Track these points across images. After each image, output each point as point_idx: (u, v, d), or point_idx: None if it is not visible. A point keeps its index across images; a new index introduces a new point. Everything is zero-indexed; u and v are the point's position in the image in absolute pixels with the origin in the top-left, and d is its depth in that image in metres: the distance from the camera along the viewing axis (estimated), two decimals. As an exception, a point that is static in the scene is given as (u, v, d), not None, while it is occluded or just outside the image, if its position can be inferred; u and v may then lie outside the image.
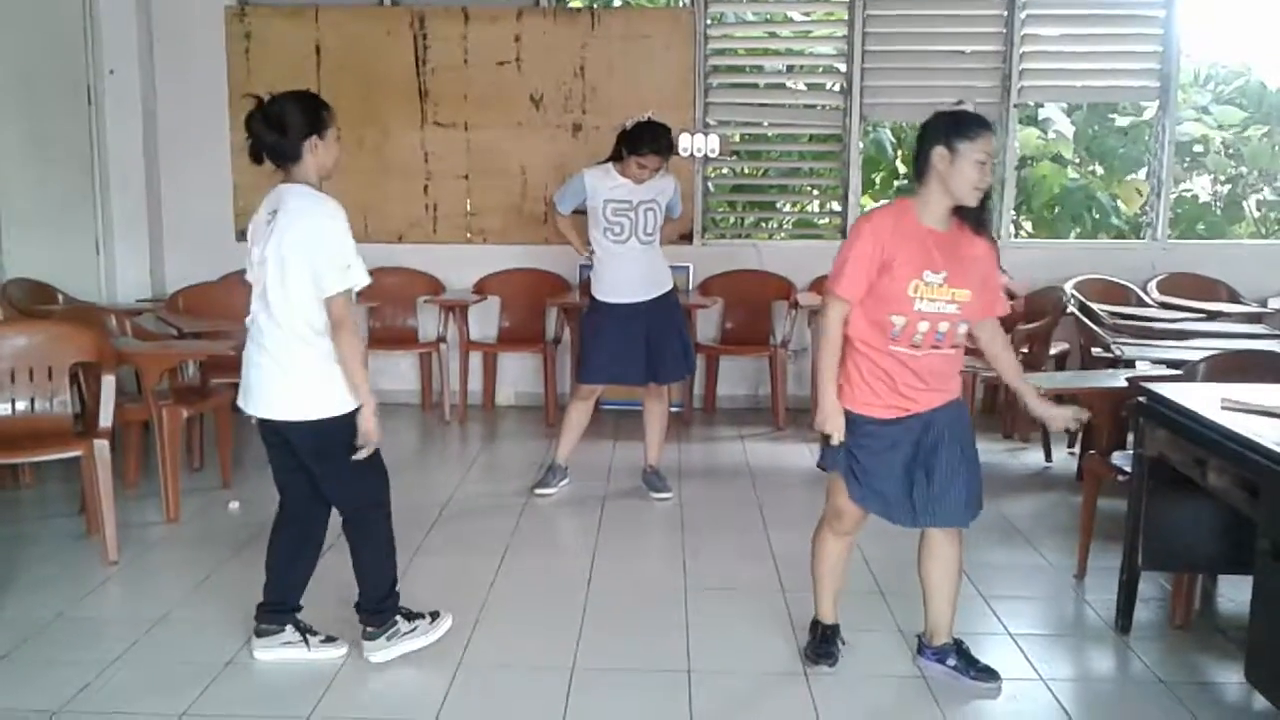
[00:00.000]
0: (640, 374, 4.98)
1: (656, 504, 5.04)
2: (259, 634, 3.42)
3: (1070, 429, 3.24)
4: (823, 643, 3.38)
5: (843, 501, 3.20)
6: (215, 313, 5.83)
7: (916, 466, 3.08)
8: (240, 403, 3.29)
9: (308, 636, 3.41)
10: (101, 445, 4.15)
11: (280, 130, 3.13)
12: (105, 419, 4.22)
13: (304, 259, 3.07)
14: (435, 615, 3.46)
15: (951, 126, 2.96)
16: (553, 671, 3.31)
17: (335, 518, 3.40)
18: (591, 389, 5.06)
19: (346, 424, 3.16)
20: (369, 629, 3.37)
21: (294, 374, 3.15)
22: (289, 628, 3.41)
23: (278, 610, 3.42)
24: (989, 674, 3.24)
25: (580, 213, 4.99)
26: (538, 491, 5.09)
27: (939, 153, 2.95)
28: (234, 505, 4.89)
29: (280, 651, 3.39)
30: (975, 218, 3.04)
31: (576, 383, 5.20)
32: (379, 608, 3.37)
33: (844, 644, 3.40)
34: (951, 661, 3.28)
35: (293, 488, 3.36)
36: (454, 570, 4.18)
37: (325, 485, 3.29)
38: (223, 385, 5.40)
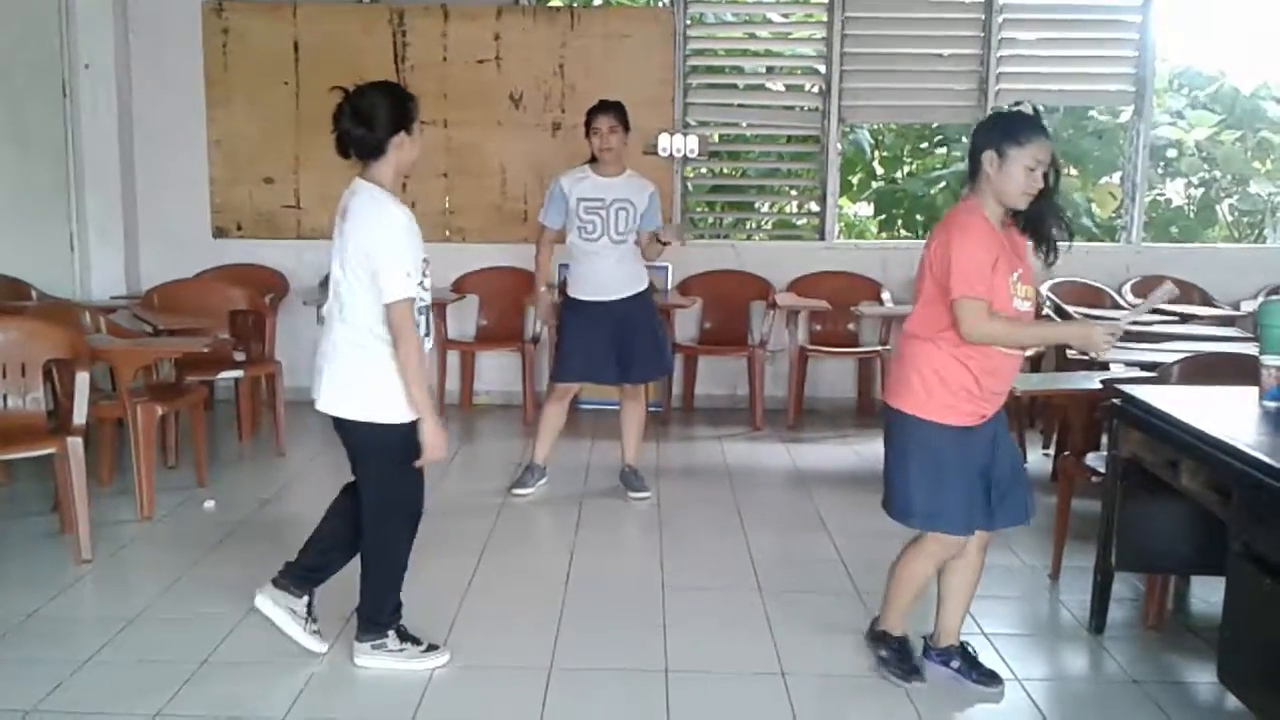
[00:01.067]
0: (612, 373, 4.98)
1: (634, 504, 5.05)
2: (274, 583, 3.34)
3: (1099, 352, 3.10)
4: (906, 657, 3.29)
5: (955, 540, 3.10)
6: (191, 310, 5.79)
7: (990, 470, 3.04)
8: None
9: (309, 619, 3.36)
10: (75, 443, 4.11)
11: (368, 125, 3.08)
12: (79, 416, 4.19)
13: (365, 263, 3.05)
14: (434, 647, 3.37)
15: (1002, 130, 2.94)
16: (530, 671, 3.31)
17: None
18: (566, 388, 5.05)
19: (392, 433, 3.14)
20: (360, 633, 3.34)
21: (351, 372, 3.14)
22: (305, 599, 3.36)
23: (304, 578, 3.36)
24: (992, 678, 3.24)
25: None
26: (515, 491, 5.08)
27: (988, 156, 2.91)
28: (209, 504, 4.85)
29: (277, 612, 3.32)
30: (1040, 234, 2.99)
31: (551, 381, 5.20)
32: (376, 621, 3.33)
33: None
34: (956, 664, 3.27)
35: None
36: (431, 570, 4.14)
37: (361, 486, 3.27)
38: (198, 383, 5.38)
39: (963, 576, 3.22)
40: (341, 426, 3.21)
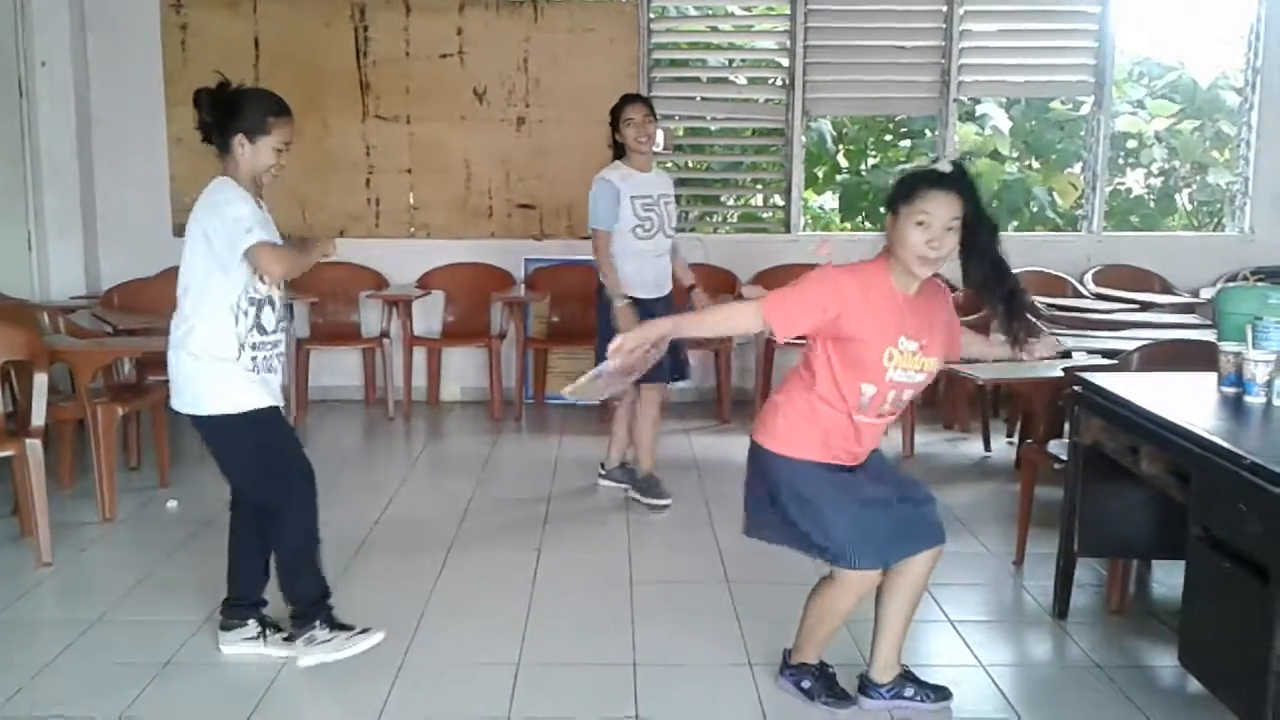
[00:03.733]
0: (665, 372, 4.78)
1: (601, 497, 5.03)
2: (223, 627, 3.40)
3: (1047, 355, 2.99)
4: (832, 681, 3.11)
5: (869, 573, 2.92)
6: (151, 309, 5.71)
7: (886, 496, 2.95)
8: None
9: (267, 632, 3.38)
10: (34, 445, 4.06)
11: (215, 115, 3.14)
12: (38, 418, 4.13)
13: (203, 235, 3.10)
14: (365, 631, 3.35)
15: (898, 187, 2.75)
16: (498, 668, 3.30)
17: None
18: (663, 389, 4.88)
19: (230, 423, 3.17)
20: (291, 629, 3.34)
21: (180, 367, 3.21)
22: (251, 621, 3.39)
23: (239, 605, 3.41)
24: (941, 691, 3.10)
25: None
26: (655, 504, 4.84)
27: (889, 219, 2.76)
28: (172, 504, 4.82)
29: (242, 646, 3.37)
30: (1001, 309, 2.81)
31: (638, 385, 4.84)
32: (301, 614, 3.33)
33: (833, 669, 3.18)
34: (910, 692, 3.07)
35: None
36: (398, 568, 4.15)
37: (227, 479, 3.33)
38: (159, 382, 5.31)
39: (910, 598, 3.01)
40: (192, 421, 3.25)
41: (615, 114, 4.80)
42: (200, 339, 3.15)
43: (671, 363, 4.89)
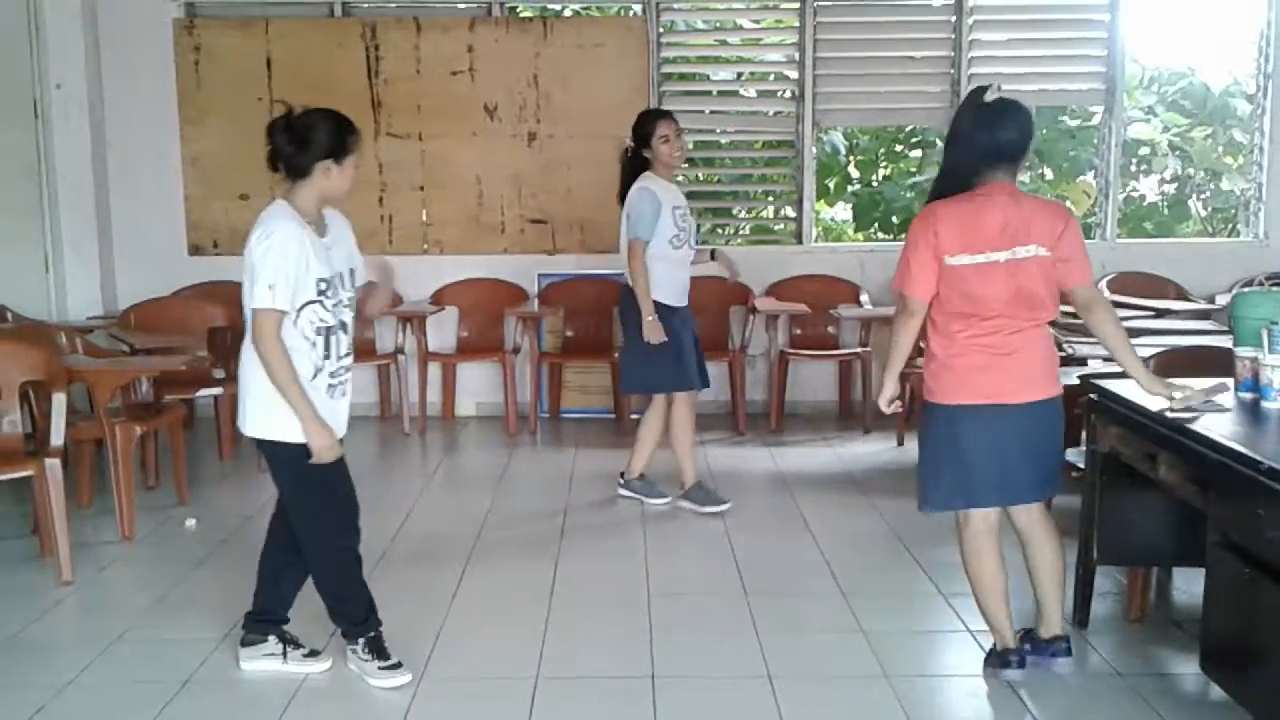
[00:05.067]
0: (699, 378, 4.97)
1: (619, 510, 5.03)
2: (243, 643, 3.40)
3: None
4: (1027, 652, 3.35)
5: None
6: (168, 328, 5.77)
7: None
8: None
9: (288, 649, 3.38)
10: (53, 465, 4.08)
11: (299, 144, 3.10)
12: (56, 438, 4.16)
13: (247, 272, 3.09)
14: (396, 666, 3.31)
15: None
16: (517, 681, 3.30)
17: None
18: (693, 396, 4.98)
19: (292, 451, 3.14)
20: (346, 640, 3.36)
21: (249, 390, 3.17)
22: (272, 638, 3.39)
23: (263, 620, 3.40)
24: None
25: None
26: (705, 509, 4.93)
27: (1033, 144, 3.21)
28: (190, 522, 4.82)
29: (263, 663, 3.37)
30: None
31: (674, 391, 4.95)
32: (346, 631, 3.35)
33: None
34: (1066, 646, 3.35)
35: None
36: (416, 582, 4.15)
37: (283, 501, 3.31)
38: (177, 402, 5.36)
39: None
40: (256, 444, 3.25)
41: (645, 130, 4.79)
42: (258, 364, 3.10)
43: (704, 367, 5.04)
